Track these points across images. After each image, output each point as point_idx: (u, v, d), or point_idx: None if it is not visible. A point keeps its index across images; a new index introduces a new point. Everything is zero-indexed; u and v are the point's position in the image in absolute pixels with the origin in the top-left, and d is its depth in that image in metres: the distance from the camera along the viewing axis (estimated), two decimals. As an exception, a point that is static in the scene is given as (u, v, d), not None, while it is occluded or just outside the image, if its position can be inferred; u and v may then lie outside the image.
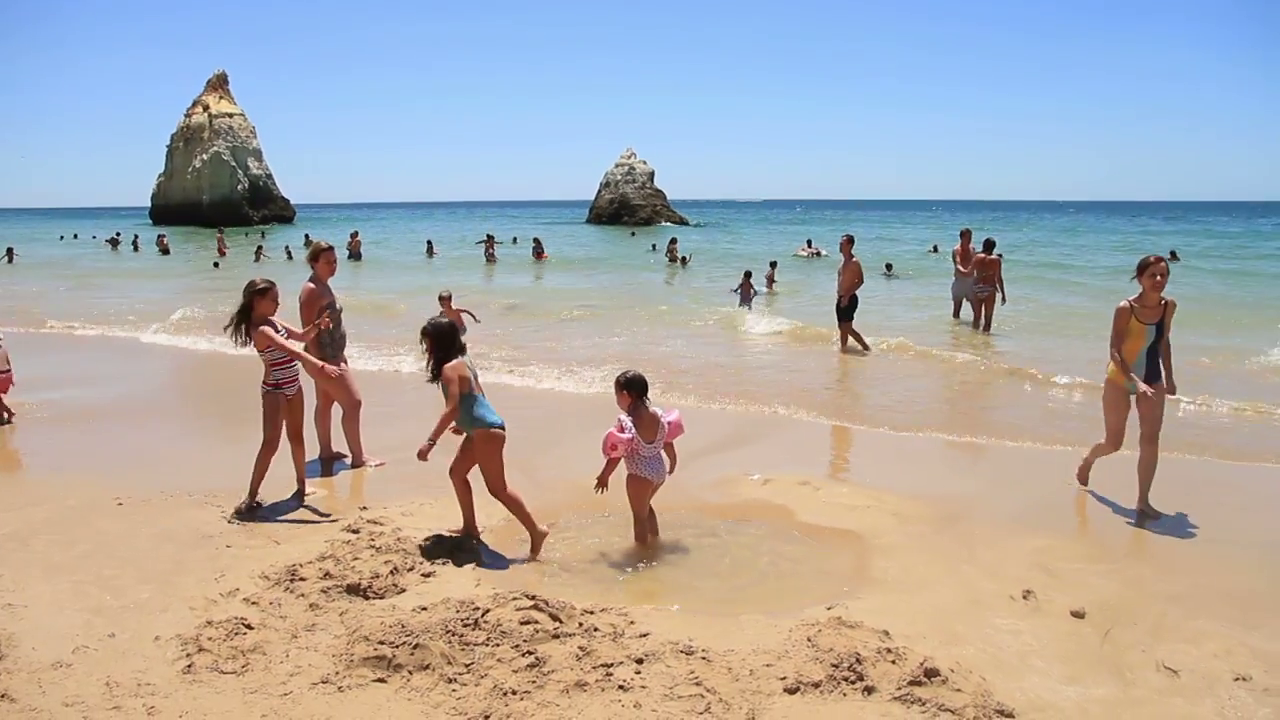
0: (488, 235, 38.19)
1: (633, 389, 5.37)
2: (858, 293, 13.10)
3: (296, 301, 6.98)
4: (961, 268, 15.60)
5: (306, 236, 40.82)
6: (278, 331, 6.04)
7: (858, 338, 13.06)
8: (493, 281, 26.47)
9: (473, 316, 11.96)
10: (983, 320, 15.05)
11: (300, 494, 6.34)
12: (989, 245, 15.23)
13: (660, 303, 19.44)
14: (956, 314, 15.94)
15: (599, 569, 5.14)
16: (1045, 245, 43.56)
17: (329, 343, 7.04)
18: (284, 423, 6.13)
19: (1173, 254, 34.95)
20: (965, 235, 15.96)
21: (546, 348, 13.49)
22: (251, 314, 6.01)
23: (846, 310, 13.04)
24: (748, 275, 18.90)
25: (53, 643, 4.09)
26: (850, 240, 13.51)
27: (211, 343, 13.62)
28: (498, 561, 5.23)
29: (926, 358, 12.36)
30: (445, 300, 11.60)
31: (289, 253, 33.87)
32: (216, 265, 30.73)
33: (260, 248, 35.13)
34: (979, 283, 15.05)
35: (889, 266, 26.86)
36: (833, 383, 11.19)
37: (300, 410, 6.28)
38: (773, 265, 22.25)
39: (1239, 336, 14.77)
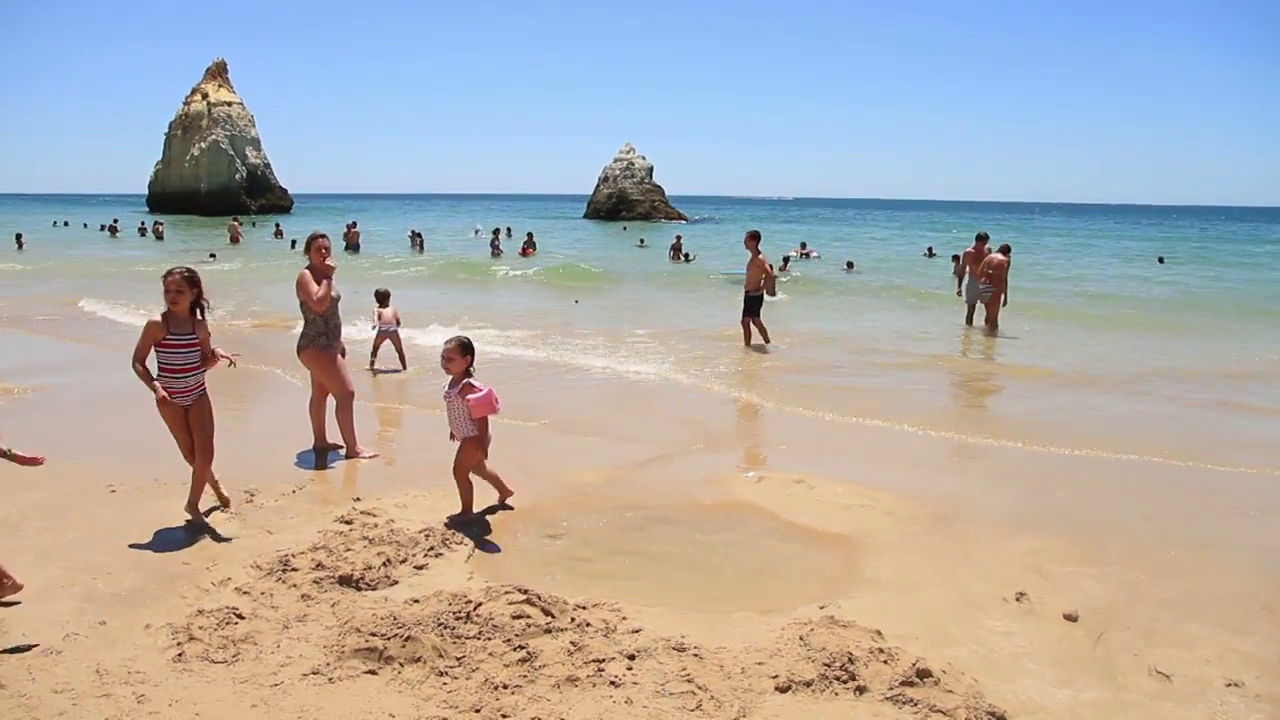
0: (494, 230, 38.02)
1: (471, 352, 5.72)
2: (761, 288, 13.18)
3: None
4: (972, 271, 15.62)
5: (277, 226, 40.97)
6: (167, 334, 5.26)
7: (762, 331, 13.16)
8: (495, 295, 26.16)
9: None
10: (985, 320, 15.13)
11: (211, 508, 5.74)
12: (1003, 248, 15.32)
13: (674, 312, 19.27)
14: (970, 320, 15.69)
15: (592, 564, 5.13)
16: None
17: (323, 331, 7.02)
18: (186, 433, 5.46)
19: (1160, 259, 35.45)
20: (980, 239, 15.82)
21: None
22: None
23: (752, 305, 13.05)
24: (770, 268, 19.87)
25: (43, 629, 4.07)
26: (755, 237, 13.41)
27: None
28: (491, 554, 5.22)
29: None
30: (383, 298, 11.43)
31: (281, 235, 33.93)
32: (213, 256, 29.41)
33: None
34: (984, 282, 15.10)
35: (850, 265, 27.50)
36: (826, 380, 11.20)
37: (199, 424, 5.51)
38: (789, 259, 22.79)
39: (1225, 339, 14.81)
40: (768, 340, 13.15)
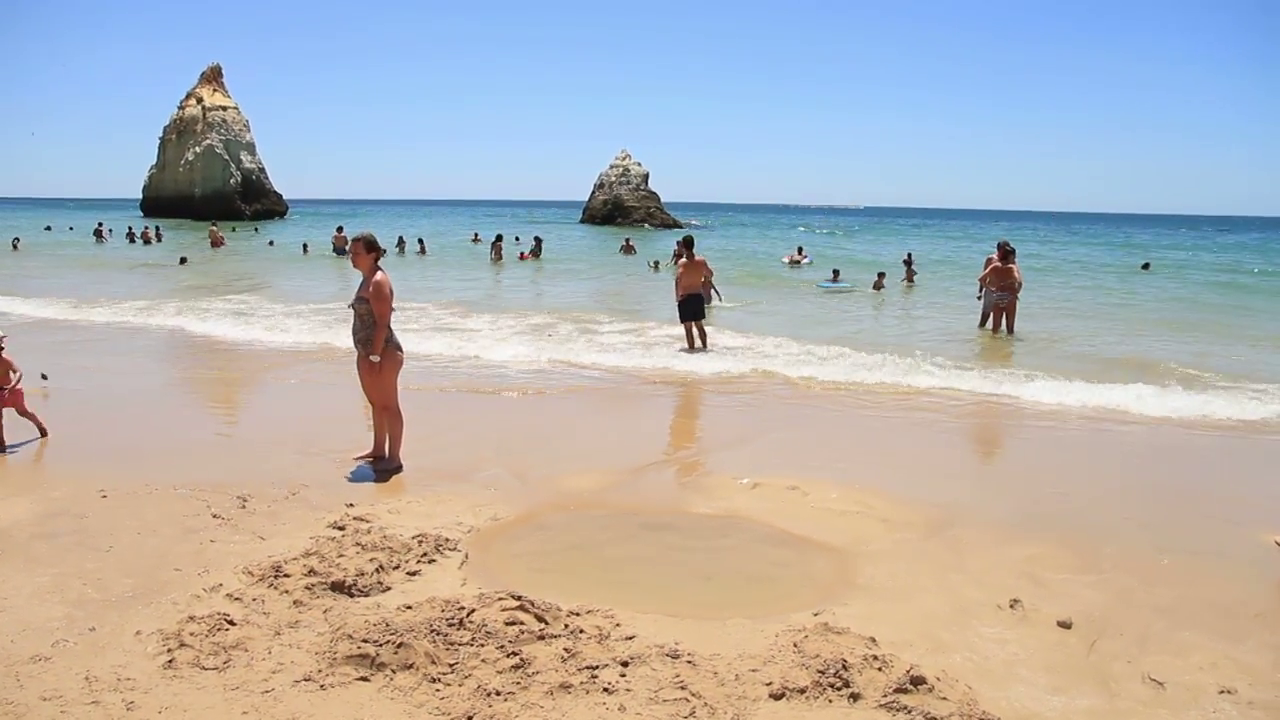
0: (497, 235, 37.90)
1: None
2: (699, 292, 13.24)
3: None
4: (988, 278, 15.62)
5: (232, 229, 41.31)
6: None
7: (701, 335, 13.21)
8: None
9: None
10: (1003, 327, 15.27)
11: None
12: (1007, 253, 15.33)
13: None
14: (983, 324, 15.88)
15: (585, 570, 5.12)
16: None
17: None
18: None
19: (1145, 266, 35.69)
20: (1000, 248, 15.63)
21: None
22: None
23: (691, 309, 13.08)
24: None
25: (32, 636, 4.04)
26: (689, 242, 13.64)
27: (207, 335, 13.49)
28: (484, 560, 5.20)
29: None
30: None
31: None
32: (184, 261, 28.29)
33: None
34: (998, 290, 15.26)
35: (835, 273, 27.25)
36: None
37: None
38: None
39: (1214, 343, 14.86)
40: (705, 346, 13.13)
